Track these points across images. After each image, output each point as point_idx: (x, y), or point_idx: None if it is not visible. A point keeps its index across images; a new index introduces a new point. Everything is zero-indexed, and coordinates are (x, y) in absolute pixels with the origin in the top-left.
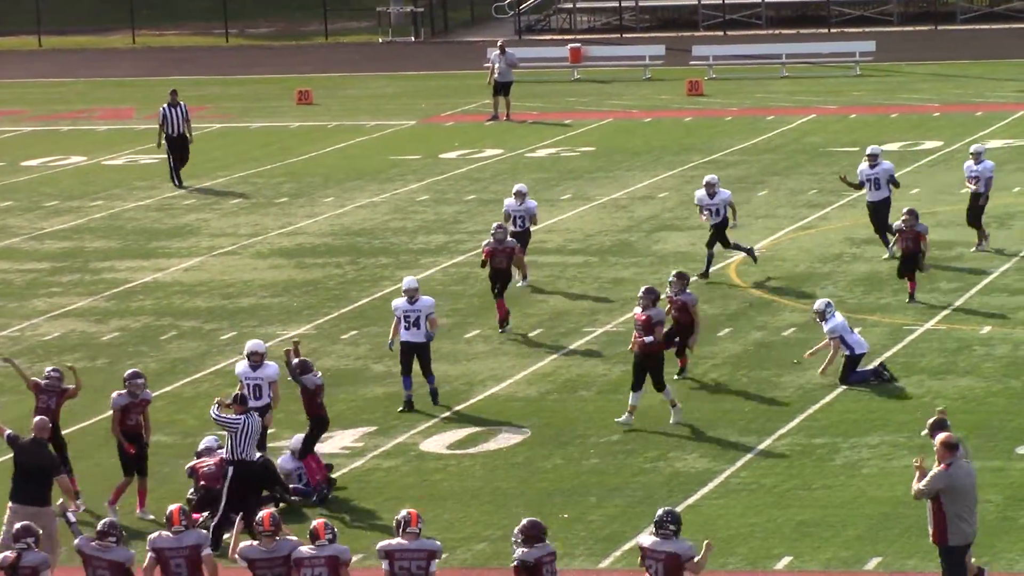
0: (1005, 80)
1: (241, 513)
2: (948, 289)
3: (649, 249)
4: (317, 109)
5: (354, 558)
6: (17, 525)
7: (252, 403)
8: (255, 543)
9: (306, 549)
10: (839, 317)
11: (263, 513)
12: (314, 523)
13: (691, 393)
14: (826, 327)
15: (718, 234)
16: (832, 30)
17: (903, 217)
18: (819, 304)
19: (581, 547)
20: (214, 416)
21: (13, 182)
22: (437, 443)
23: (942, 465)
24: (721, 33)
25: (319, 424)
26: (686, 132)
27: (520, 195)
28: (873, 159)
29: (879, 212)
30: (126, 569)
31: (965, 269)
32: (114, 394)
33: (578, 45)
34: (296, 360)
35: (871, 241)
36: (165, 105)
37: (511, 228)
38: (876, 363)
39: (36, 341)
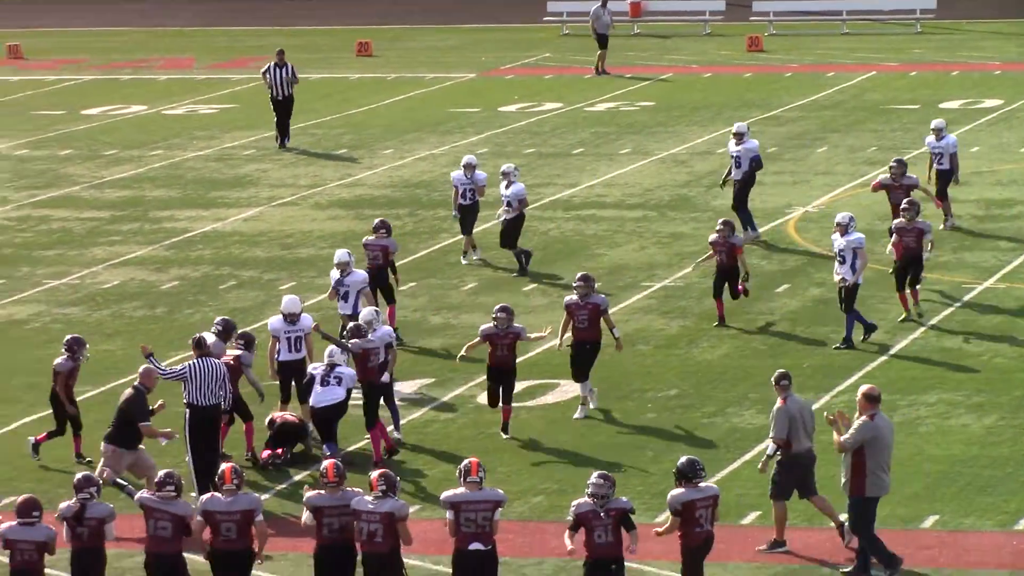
0: None
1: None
2: (1007, 248)
3: (708, 204)
4: (377, 61)
5: (412, 509)
6: (78, 476)
7: (290, 356)
8: (321, 492)
9: (366, 500)
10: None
11: (327, 463)
12: (372, 474)
13: (749, 349)
14: (846, 239)
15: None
16: None
17: (904, 208)
18: (842, 217)
19: (638, 501)
20: (159, 371)
21: (73, 131)
22: None
23: (865, 416)
24: None
25: (370, 390)
26: (746, 88)
27: (470, 167)
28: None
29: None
30: (187, 524)
31: None
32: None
33: (638, 0)
34: (350, 326)
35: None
36: (271, 64)
37: (461, 202)
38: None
39: (96, 289)
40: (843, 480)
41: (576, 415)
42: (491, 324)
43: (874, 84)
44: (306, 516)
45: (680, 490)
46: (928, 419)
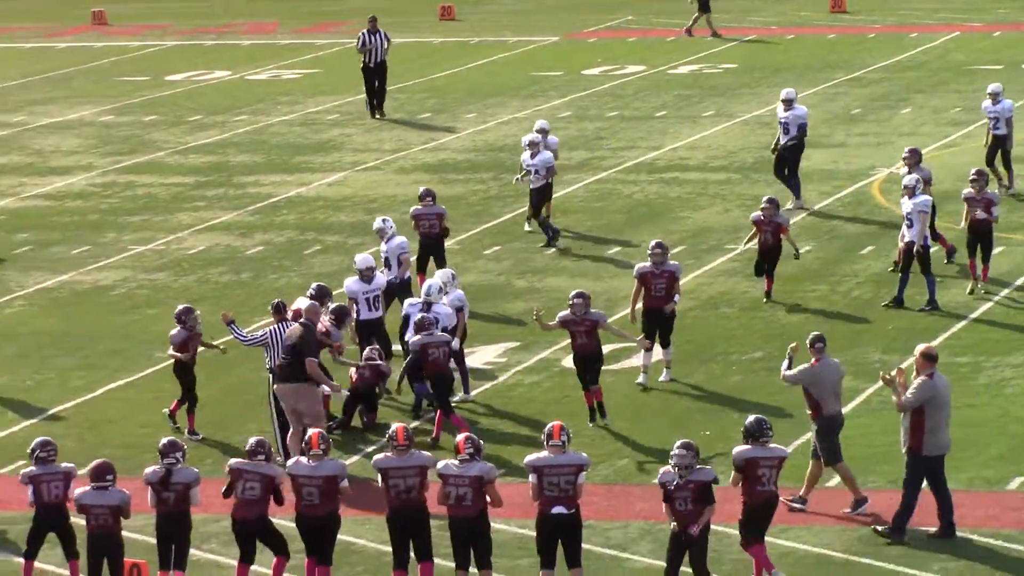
0: None
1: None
2: None
3: None
4: (460, 25)
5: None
6: (163, 440)
7: (369, 315)
8: (389, 454)
9: (452, 465)
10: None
11: (396, 426)
12: (457, 437)
13: (833, 311)
14: (913, 201)
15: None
16: None
17: (972, 178)
18: (909, 179)
19: (721, 465)
20: (238, 336)
21: (158, 96)
22: None
23: (923, 376)
24: None
25: (438, 381)
26: (829, 49)
27: (543, 132)
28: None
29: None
30: (276, 485)
31: None
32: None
33: None
34: (416, 319)
35: (1015, 159)
36: (364, 31)
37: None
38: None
39: (181, 255)
40: (903, 439)
41: (661, 378)
42: (567, 311)
43: (957, 45)
44: (379, 478)
45: (745, 447)
46: (1013, 380)
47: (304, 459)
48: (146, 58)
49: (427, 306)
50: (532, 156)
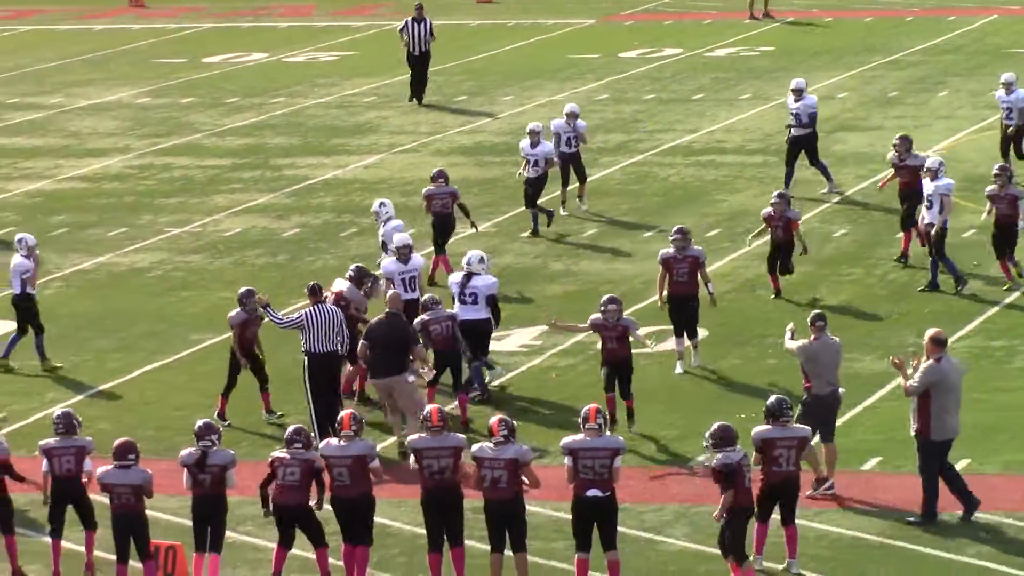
0: None
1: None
2: None
3: (828, 149)
4: (497, 8)
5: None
6: (199, 422)
7: (406, 296)
8: (424, 435)
9: (487, 447)
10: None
11: (431, 408)
12: (491, 420)
13: (870, 294)
14: (935, 184)
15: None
16: None
17: (995, 174)
18: (932, 161)
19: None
20: (274, 319)
21: (195, 78)
22: None
23: (931, 360)
24: None
25: (443, 359)
26: (866, 32)
27: (572, 115)
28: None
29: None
30: (315, 468)
31: None
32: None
33: None
34: (425, 298)
35: None
36: (409, 19)
37: (565, 150)
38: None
39: (217, 237)
40: (911, 424)
41: (694, 363)
42: (599, 315)
43: (996, 28)
44: (412, 459)
45: (765, 427)
46: None
47: (335, 440)
48: (183, 40)
49: (468, 276)
50: (532, 146)
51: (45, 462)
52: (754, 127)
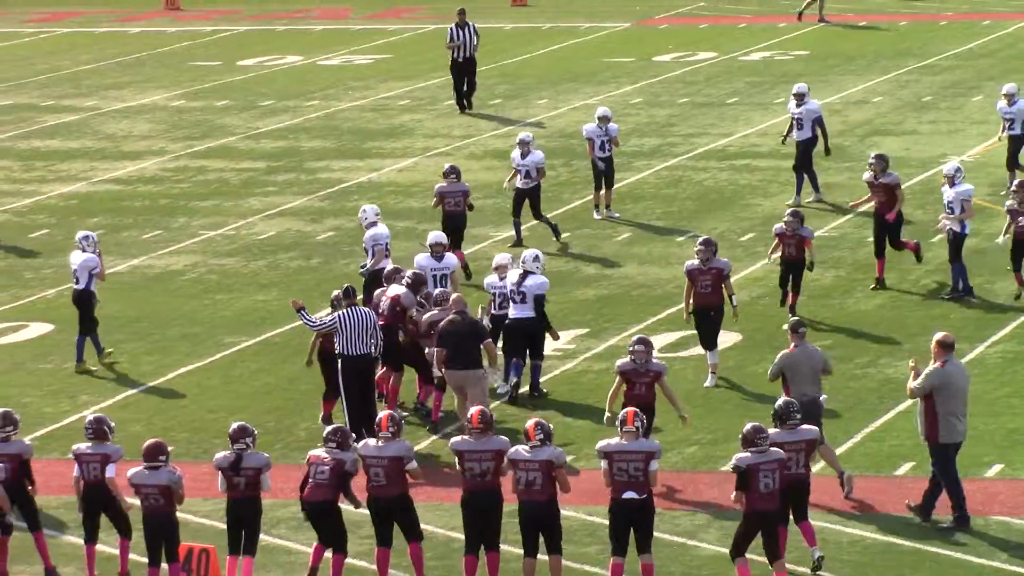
0: None
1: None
2: None
3: (862, 154)
4: (531, 11)
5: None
6: (234, 425)
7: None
8: (466, 437)
9: (523, 450)
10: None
11: (473, 411)
12: (527, 423)
13: (903, 300)
14: (955, 190)
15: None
16: None
17: (1013, 189)
18: (949, 168)
19: None
20: (307, 322)
21: (229, 81)
22: None
23: (937, 363)
24: None
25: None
26: (901, 37)
27: (604, 119)
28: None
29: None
30: (345, 472)
31: None
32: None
33: None
34: (436, 292)
35: None
36: (453, 25)
37: (599, 154)
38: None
39: (251, 240)
40: (919, 427)
41: (706, 383)
42: (627, 359)
43: None
44: (456, 462)
45: (773, 430)
46: None
47: (372, 440)
48: (218, 43)
49: (524, 275)
50: (523, 156)
51: (76, 467)
52: None
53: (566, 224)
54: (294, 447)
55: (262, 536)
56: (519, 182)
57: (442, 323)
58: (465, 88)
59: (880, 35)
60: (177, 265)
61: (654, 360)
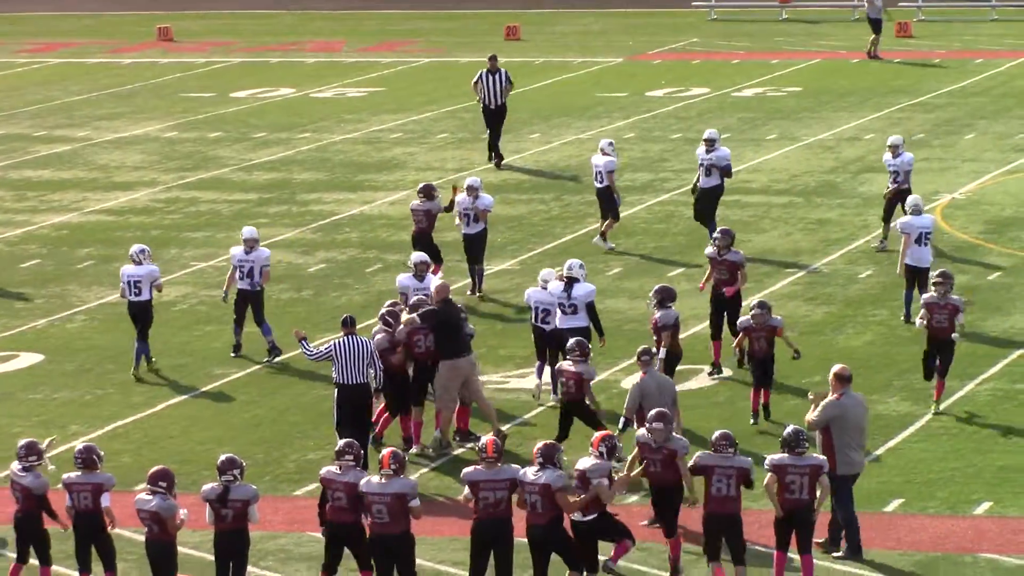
0: None
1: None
2: None
3: (855, 191)
4: (525, 45)
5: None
6: (222, 457)
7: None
8: (479, 467)
9: (528, 473)
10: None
11: (486, 439)
12: (535, 448)
13: (894, 336)
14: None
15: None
16: None
17: (934, 280)
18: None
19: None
20: (306, 352)
21: (222, 113)
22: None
23: (834, 395)
24: None
25: (421, 372)
26: (894, 74)
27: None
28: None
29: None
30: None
31: None
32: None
33: None
34: (415, 299)
35: None
36: (483, 72)
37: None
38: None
39: None
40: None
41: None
42: (644, 431)
43: (1022, 71)
44: (466, 491)
45: (780, 454)
46: None
47: (375, 477)
48: (211, 75)
49: (569, 284)
50: (474, 200)
51: (68, 496)
52: (780, 167)
53: (557, 259)
54: (283, 479)
55: (249, 568)
56: (469, 227)
57: (426, 309)
58: (490, 137)
59: (873, 72)
60: (168, 296)
61: (675, 436)
